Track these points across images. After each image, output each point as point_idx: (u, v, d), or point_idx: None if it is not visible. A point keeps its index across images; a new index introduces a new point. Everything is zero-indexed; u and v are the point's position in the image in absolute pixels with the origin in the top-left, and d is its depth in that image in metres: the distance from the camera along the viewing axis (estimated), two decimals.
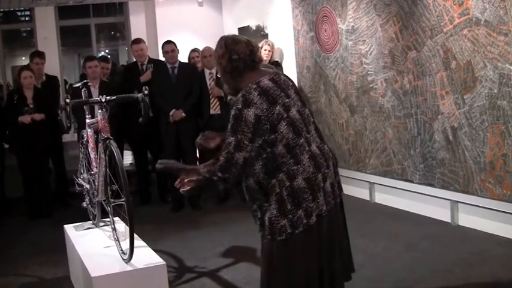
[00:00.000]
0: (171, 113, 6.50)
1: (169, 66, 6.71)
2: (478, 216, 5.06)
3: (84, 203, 4.77)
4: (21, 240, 5.92)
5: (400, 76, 5.68)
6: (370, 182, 6.42)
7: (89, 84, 6.19)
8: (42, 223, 6.45)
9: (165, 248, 5.09)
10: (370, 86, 6.14)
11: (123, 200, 3.77)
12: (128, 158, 8.14)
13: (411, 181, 5.73)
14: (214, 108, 6.74)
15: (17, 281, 4.76)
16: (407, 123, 5.67)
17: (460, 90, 4.99)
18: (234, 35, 2.99)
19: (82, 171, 4.82)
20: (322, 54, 6.96)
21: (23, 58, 12.49)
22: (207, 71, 6.82)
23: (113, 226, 4.04)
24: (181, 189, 2.92)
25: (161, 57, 7.28)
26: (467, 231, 5.11)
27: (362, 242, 4.89)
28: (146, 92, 4.33)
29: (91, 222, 4.67)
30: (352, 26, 6.32)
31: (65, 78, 10.22)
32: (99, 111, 4.20)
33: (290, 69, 7.50)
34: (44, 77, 7.40)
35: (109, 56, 10.58)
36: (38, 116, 6.45)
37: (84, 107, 4.75)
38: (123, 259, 3.69)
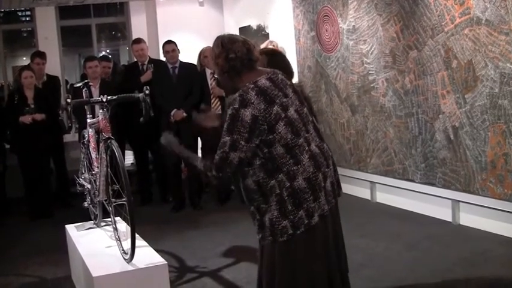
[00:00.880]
0: (172, 113, 6.49)
1: (170, 66, 6.71)
2: (479, 215, 5.05)
3: (85, 202, 4.78)
4: (22, 240, 5.92)
5: (401, 76, 5.68)
6: (371, 182, 6.42)
7: (90, 84, 6.20)
8: (43, 223, 6.45)
9: (165, 248, 5.09)
10: (371, 85, 6.13)
11: (124, 199, 3.78)
12: (129, 157, 8.13)
13: (412, 180, 5.72)
14: (216, 108, 6.73)
15: (17, 281, 4.76)
16: (408, 122, 5.67)
17: (461, 90, 4.99)
18: (231, 34, 2.94)
19: (83, 171, 4.82)
20: (323, 54, 6.96)
21: (24, 58, 12.45)
22: (208, 71, 6.82)
23: (114, 226, 4.04)
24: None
25: (162, 57, 7.28)
26: (468, 230, 5.11)
27: (363, 242, 4.89)
28: (147, 91, 4.33)
29: (92, 222, 4.68)
30: (353, 26, 6.32)
31: (66, 78, 10.19)
32: (100, 111, 4.20)
33: None
34: (45, 77, 7.39)
35: (110, 56, 10.58)
36: (39, 116, 6.45)
37: (85, 107, 4.75)
38: (125, 259, 3.69)
